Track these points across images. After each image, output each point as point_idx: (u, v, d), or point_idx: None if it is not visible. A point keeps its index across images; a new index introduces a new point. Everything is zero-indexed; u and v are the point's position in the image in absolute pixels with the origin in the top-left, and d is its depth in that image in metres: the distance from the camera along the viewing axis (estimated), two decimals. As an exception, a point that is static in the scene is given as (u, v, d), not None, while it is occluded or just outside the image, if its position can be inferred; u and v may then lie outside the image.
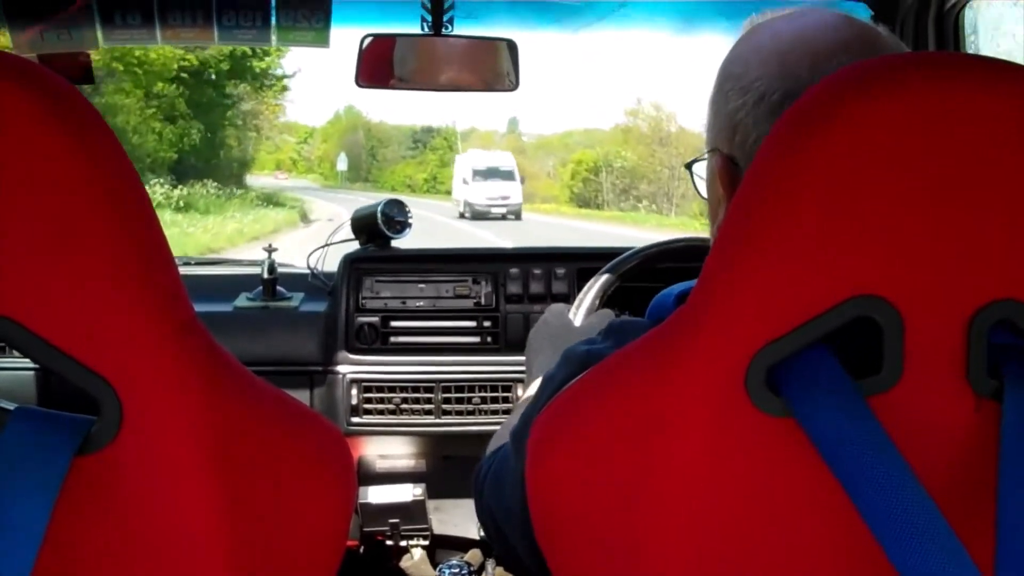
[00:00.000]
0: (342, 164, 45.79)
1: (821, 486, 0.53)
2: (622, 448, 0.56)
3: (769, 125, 0.66)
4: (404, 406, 1.69)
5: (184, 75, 21.70)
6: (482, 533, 1.76)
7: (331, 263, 1.84)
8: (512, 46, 1.55)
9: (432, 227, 17.02)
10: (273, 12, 1.52)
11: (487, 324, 1.73)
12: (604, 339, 0.75)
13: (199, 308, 0.56)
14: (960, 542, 0.48)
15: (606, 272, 1.31)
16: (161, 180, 19.38)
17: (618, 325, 0.76)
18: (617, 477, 0.56)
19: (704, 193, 0.78)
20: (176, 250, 0.64)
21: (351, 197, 30.35)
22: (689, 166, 0.82)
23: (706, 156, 0.77)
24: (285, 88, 27.74)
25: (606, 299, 1.31)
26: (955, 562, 0.48)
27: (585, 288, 1.31)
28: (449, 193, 41.01)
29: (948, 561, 0.48)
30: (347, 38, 1.64)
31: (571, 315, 1.29)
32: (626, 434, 0.56)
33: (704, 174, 0.79)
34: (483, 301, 1.74)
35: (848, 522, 0.51)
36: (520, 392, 1.69)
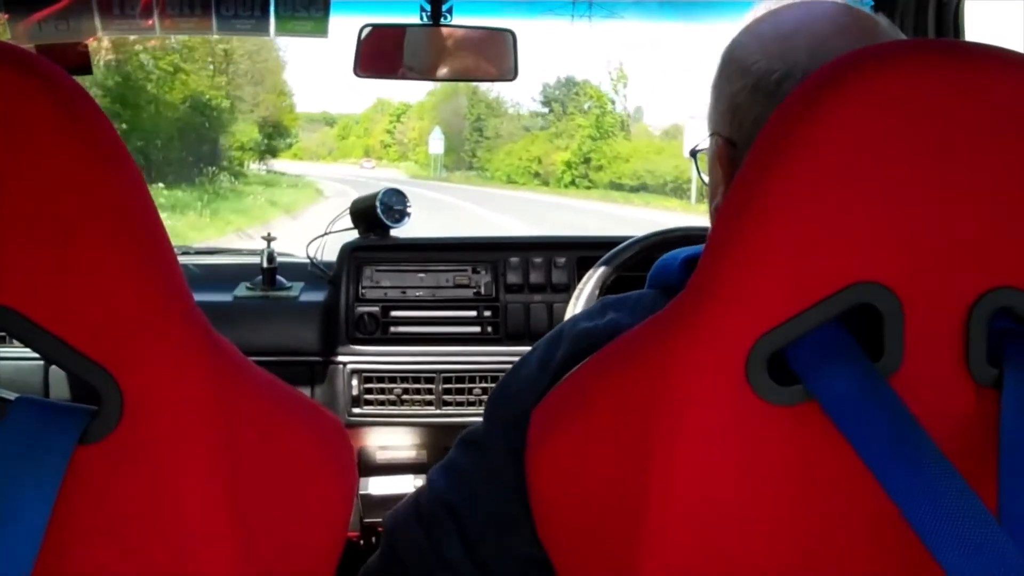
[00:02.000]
0: (436, 144, 32.22)
1: (824, 474, 0.53)
2: (625, 435, 0.56)
3: (767, 106, 0.68)
4: (405, 397, 1.69)
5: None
6: None
7: (330, 253, 1.84)
8: (512, 36, 1.55)
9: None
10: (272, 2, 1.52)
11: (487, 314, 1.73)
12: (601, 314, 0.75)
13: (199, 298, 0.56)
14: (983, 504, 0.47)
15: (603, 264, 1.31)
16: None
17: (613, 301, 0.76)
18: (620, 469, 0.56)
19: (706, 179, 0.79)
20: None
21: (436, 196, 21.23)
22: (693, 154, 0.83)
23: (707, 143, 0.77)
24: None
25: (604, 290, 1.31)
26: (983, 528, 0.47)
27: (583, 280, 1.31)
28: (622, 188, 24.79)
29: (974, 525, 0.47)
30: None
31: (570, 308, 1.29)
32: (628, 422, 0.56)
33: (706, 161, 0.79)
34: (483, 291, 1.73)
35: (850, 507, 0.51)
36: None
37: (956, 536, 0.47)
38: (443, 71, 1.57)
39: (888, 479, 0.49)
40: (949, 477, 0.48)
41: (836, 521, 0.54)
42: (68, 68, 0.55)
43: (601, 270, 1.31)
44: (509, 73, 1.58)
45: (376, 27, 1.54)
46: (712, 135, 0.75)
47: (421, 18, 1.52)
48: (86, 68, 1.53)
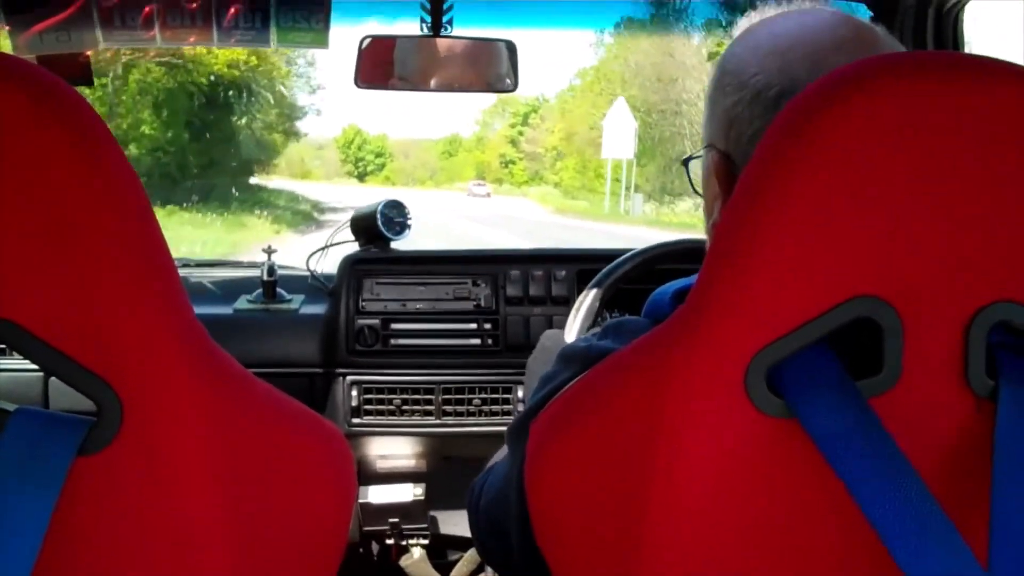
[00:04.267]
0: (618, 139, 16.18)
1: (822, 487, 0.53)
2: (622, 451, 0.56)
3: (765, 121, 0.67)
4: (405, 407, 1.69)
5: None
6: None
7: (331, 265, 1.84)
8: (511, 47, 1.56)
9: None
10: (272, 13, 1.53)
11: (487, 326, 1.73)
12: (602, 338, 0.75)
13: (199, 310, 0.55)
14: (961, 537, 0.48)
15: (602, 278, 1.31)
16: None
17: (614, 324, 0.76)
18: (617, 479, 0.56)
19: (699, 189, 0.78)
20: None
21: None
22: (685, 163, 0.82)
23: (702, 153, 0.76)
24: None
25: (605, 304, 1.31)
26: (956, 556, 0.48)
27: (583, 293, 1.31)
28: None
29: (949, 555, 0.48)
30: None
31: (568, 324, 1.28)
32: (626, 437, 0.56)
33: (700, 171, 0.79)
34: (483, 303, 1.73)
35: (849, 521, 0.51)
36: (520, 395, 1.69)
37: (929, 558, 0.48)
38: (434, 82, 1.58)
39: (865, 501, 0.49)
40: (926, 503, 0.49)
41: (824, 532, 0.54)
42: (69, 79, 0.55)
43: (594, 292, 1.30)
44: (506, 85, 1.58)
45: (375, 38, 1.55)
46: (707, 148, 0.74)
47: (421, 29, 1.53)
48: (87, 79, 1.54)
